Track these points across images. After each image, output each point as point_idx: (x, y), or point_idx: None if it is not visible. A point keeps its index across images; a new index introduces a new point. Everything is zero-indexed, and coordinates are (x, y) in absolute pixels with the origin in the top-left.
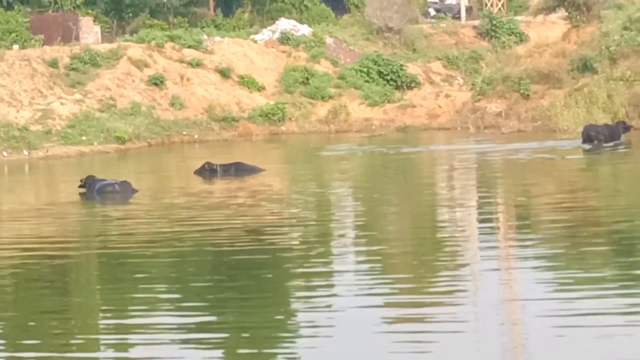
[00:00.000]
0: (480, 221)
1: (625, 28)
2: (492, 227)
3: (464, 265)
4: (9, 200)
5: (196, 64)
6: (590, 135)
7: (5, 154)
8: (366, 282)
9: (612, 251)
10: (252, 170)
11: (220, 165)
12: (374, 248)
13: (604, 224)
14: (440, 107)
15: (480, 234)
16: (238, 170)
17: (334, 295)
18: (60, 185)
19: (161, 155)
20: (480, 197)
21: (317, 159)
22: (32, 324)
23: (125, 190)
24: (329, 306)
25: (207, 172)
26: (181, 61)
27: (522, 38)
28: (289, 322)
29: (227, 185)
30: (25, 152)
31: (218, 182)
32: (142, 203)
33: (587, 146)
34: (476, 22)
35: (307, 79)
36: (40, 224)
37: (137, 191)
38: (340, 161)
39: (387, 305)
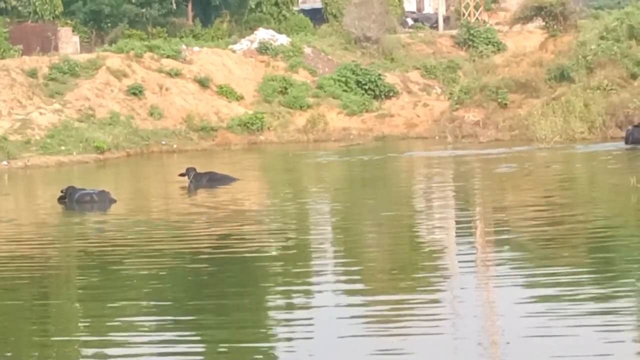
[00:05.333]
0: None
1: (601, 37)
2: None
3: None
4: None
5: (175, 74)
6: (635, 137)
7: None
8: (345, 297)
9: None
10: (225, 179)
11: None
12: (353, 260)
13: None
14: (418, 116)
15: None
16: (211, 179)
17: (312, 307)
18: (39, 196)
19: (140, 165)
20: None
21: (295, 168)
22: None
23: (103, 200)
24: (309, 319)
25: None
26: (160, 71)
27: (499, 47)
28: (267, 336)
29: (201, 195)
30: (5, 162)
31: (191, 192)
32: (120, 213)
33: (630, 147)
34: (454, 32)
35: (286, 88)
36: (18, 235)
37: (115, 201)
38: (319, 170)
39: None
